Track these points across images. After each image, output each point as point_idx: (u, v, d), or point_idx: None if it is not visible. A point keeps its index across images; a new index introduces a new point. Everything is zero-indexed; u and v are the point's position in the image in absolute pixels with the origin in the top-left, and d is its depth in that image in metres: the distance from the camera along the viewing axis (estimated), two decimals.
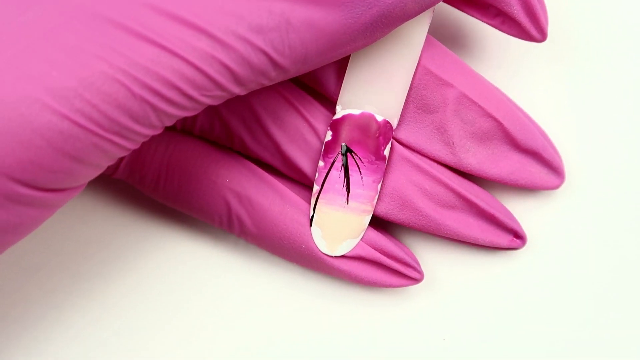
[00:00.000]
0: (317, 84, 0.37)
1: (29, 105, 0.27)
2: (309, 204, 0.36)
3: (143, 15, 0.28)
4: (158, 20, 0.28)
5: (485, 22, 0.36)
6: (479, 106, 0.36)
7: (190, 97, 0.29)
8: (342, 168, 0.35)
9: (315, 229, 0.36)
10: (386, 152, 0.35)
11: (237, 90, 0.30)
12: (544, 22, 0.35)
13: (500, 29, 0.36)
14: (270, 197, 0.36)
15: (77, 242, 0.39)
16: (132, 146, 0.30)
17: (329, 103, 0.37)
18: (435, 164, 0.37)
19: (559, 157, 0.38)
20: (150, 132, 0.30)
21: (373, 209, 0.36)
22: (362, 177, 0.35)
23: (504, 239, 0.37)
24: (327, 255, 0.36)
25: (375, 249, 0.36)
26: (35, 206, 0.29)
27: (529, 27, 0.35)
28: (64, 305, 0.38)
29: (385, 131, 0.35)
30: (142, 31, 0.28)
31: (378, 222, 0.37)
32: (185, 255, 0.39)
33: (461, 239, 0.37)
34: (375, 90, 0.35)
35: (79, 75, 0.28)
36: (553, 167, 0.37)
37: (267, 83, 0.31)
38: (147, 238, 0.39)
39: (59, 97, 0.27)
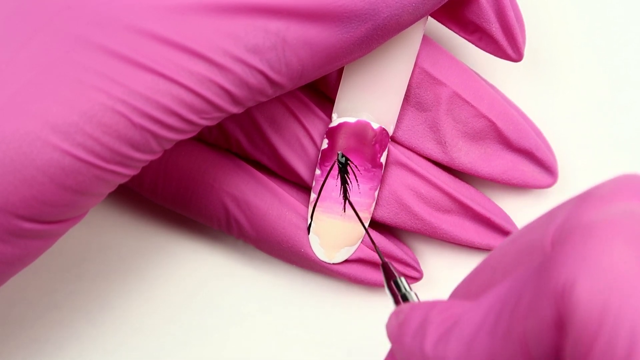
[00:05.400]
0: (317, 80, 0.37)
1: (31, 143, 0.27)
2: (307, 207, 0.36)
3: (139, 42, 0.28)
4: (154, 46, 0.28)
5: (463, 36, 0.36)
6: (472, 106, 0.36)
7: (189, 121, 0.29)
8: (339, 176, 0.35)
9: (313, 237, 0.36)
10: (382, 160, 0.35)
11: (235, 110, 0.30)
12: (521, 42, 0.35)
13: (477, 45, 0.36)
14: (268, 200, 0.36)
15: (77, 243, 0.39)
16: (133, 172, 0.30)
17: (328, 107, 0.37)
18: (431, 168, 0.37)
19: (553, 155, 0.38)
20: (150, 158, 0.30)
21: (370, 216, 0.36)
22: (358, 184, 0.35)
23: (500, 241, 0.37)
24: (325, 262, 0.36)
25: (374, 250, 0.37)
26: (40, 238, 0.29)
27: (505, 46, 0.35)
28: (64, 305, 0.39)
29: (382, 138, 0.35)
30: (139, 59, 0.28)
31: (377, 223, 0.38)
32: (184, 255, 0.39)
33: (458, 242, 0.37)
34: (371, 98, 0.35)
35: (79, 108, 0.28)
36: (546, 166, 0.38)
37: (264, 100, 0.31)
38: (146, 238, 0.39)
39: (60, 132, 0.27)
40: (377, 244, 0.37)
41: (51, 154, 0.27)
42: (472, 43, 0.36)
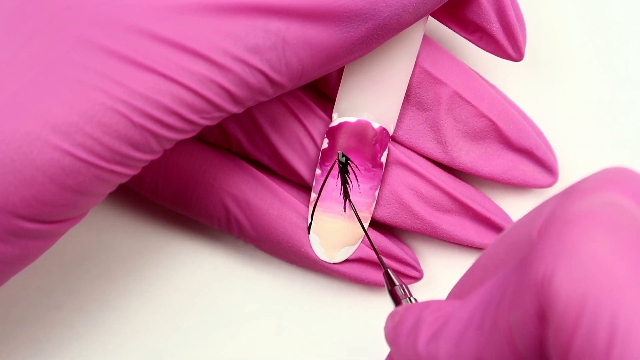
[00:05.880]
0: (317, 80, 0.37)
1: (31, 143, 0.27)
2: (308, 206, 0.36)
3: (139, 42, 0.28)
4: (155, 46, 0.28)
5: (463, 36, 0.36)
6: (472, 105, 0.36)
7: (189, 121, 0.29)
8: (339, 176, 0.35)
9: (313, 237, 0.36)
10: (383, 159, 0.35)
11: (235, 109, 0.30)
12: (522, 41, 0.35)
13: (477, 45, 0.36)
14: (268, 200, 0.36)
15: (77, 243, 0.39)
16: (134, 172, 0.30)
17: (328, 107, 0.37)
18: (431, 167, 0.37)
19: (553, 155, 0.38)
20: (151, 158, 0.30)
21: (371, 215, 0.36)
22: (359, 184, 0.35)
23: None
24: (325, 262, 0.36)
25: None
26: (40, 238, 0.29)
27: (506, 45, 0.35)
28: (64, 305, 0.39)
29: (382, 138, 0.35)
30: (140, 59, 0.28)
31: (377, 223, 0.38)
32: (185, 255, 0.39)
33: (458, 242, 0.37)
34: (371, 97, 0.35)
35: (79, 109, 0.28)
36: (546, 166, 0.38)
37: (264, 99, 0.31)
38: (147, 238, 0.39)
39: (60, 132, 0.27)
40: (377, 245, 0.37)
41: (51, 154, 0.27)
42: (473, 43, 0.36)
